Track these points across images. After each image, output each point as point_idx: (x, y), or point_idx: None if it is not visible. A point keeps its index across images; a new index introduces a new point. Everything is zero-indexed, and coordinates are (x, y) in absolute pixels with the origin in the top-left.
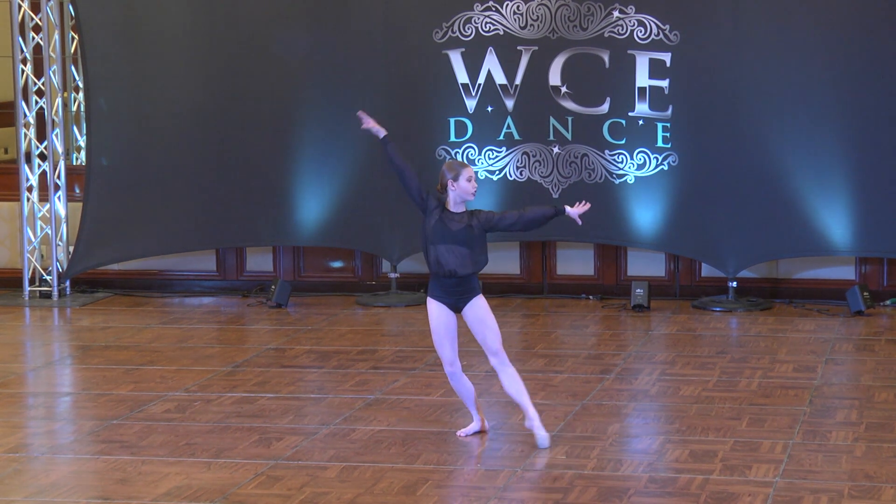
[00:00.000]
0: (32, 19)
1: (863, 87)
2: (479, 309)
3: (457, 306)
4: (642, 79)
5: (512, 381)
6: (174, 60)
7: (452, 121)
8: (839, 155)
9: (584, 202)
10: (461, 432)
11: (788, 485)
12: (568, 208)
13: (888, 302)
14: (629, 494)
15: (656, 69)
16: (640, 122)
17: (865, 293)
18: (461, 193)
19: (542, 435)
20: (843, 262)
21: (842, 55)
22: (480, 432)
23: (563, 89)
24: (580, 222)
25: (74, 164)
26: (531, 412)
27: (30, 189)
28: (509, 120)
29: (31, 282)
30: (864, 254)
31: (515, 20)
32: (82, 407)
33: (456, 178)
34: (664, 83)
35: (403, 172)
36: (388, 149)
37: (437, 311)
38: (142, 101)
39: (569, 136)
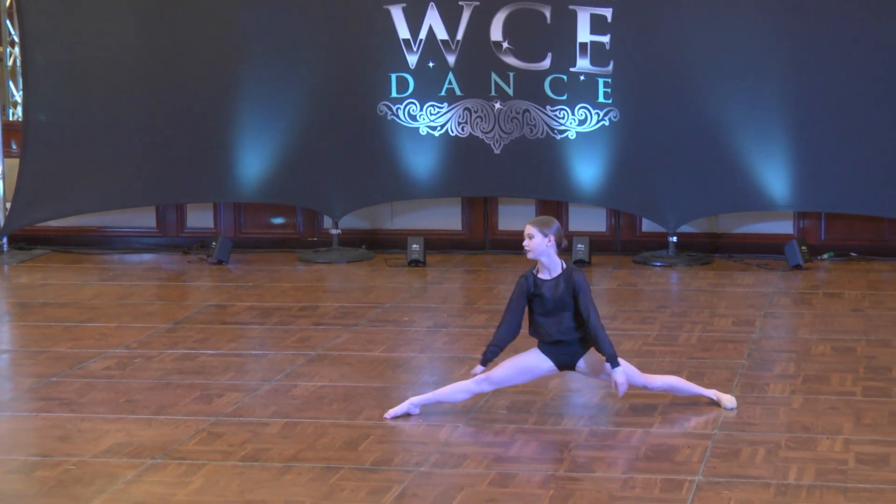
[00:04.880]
0: None
1: (803, 44)
2: (595, 357)
3: (567, 364)
4: (584, 34)
5: (677, 386)
6: (113, 14)
7: (394, 76)
8: (779, 111)
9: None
10: (389, 413)
11: (727, 437)
12: (618, 377)
13: (826, 256)
14: (570, 448)
15: (598, 24)
16: (582, 77)
17: (803, 247)
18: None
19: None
20: (781, 216)
21: (782, 12)
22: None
23: (505, 45)
24: (620, 392)
25: (11, 119)
26: (709, 393)
27: None
28: (451, 76)
29: None
30: (802, 209)
31: None
32: (21, 364)
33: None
34: (605, 39)
35: (516, 327)
36: (492, 358)
37: (536, 356)
38: (80, 56)
39: (510, 92)
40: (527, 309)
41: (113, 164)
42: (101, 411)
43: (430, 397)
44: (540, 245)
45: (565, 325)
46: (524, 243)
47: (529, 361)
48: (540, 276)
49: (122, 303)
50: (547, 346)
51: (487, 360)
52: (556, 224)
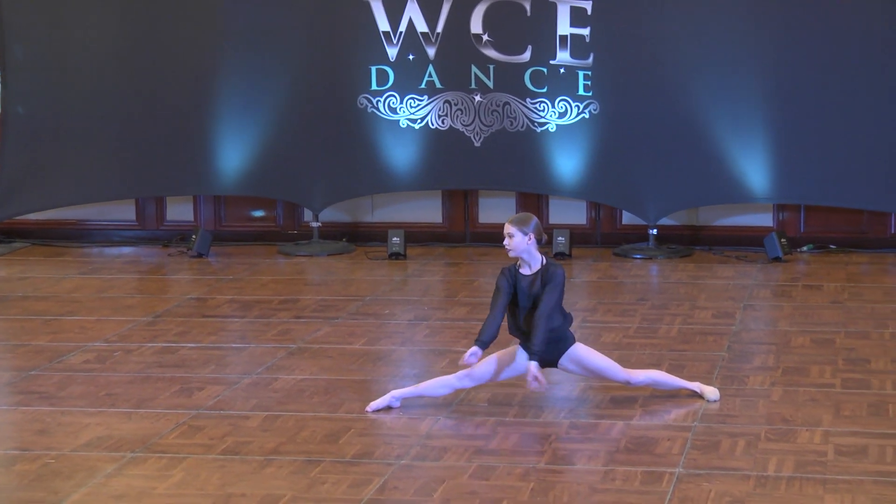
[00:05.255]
0: None
1: (783, 37)
2: (578, 354)
3: (549, 361)
4: (563, 27)
5: (660, 380)
6: (92, 7)
7: (374, 69)
8: (758, 104)
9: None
10: (371, 406)
11: (707, 429)
12: (532, 366)
13: (805, 248)
14: (550, 440)
15: (577, 17)
16: (562, 70)
17: (783, 239)
18: None
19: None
20: (761, 209)
21: (763, 5)
22: (388, 408)
23: (485, 37)
24: (532, 383)
25: None
26: (692, 386)
27: None
28: (431, 68)
29: None
30: (781, 201)
31: None
32: (0, 358)
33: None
34: (585, 31)
35: (501, 312)
36: (489, 340)
37: (518, 355)
38: (59, 49)
39: (490, 85)
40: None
41: (92, 157)
42: (81, 405)
43: (412, 391)
44: (521, 244)
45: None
46: (504, 242)
47: (510, 358)
48: (521, 271)
49: (102, 296)
50: (528, 345)
51: (486, 344)
52: (534, 220)
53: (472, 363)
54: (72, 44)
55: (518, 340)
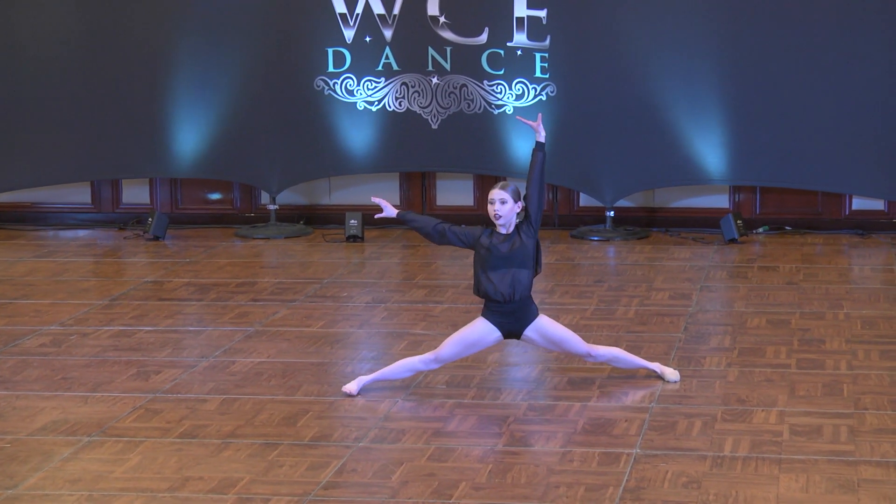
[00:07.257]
0: None
1: (738, 19)
2: (542, 325)
3: (514, 332)
4: (520, 9)
5: (620, 357)
6: None
7: (330, 51)
8: (714, 86)
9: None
10: (348, 388)
11: (663, 410)
12: (539, 132)
13: (761, 229)
14: (509, 422)
15: None
16: (519, 52)
17: (739, 221)
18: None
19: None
20: (717, 190)
21: None
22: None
23: (442, 19)
24: (541, 132)
25: None
26: (652, 366)
27: None
28: (388, 50)
29: None
30: (737, 182)
31: None
32: None
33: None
34: (542, 13)
35: (442, 225)
36: (408, 215)
37: (483, 327)
38: (12, 30)
39: (447, 67)
40: (474, 271)
41: (47, 140)
42: (37, 389)
43: (377, 376)
44: (511, 212)
45: (522, 283)
46: (496, 208)
47: (476, 334)
48: (499, 231)
49: (58, 279)
50: (494, 314)
51: (403, 212)
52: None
53: (380, 204)
54: (24, 25)
55: (482, 308)
